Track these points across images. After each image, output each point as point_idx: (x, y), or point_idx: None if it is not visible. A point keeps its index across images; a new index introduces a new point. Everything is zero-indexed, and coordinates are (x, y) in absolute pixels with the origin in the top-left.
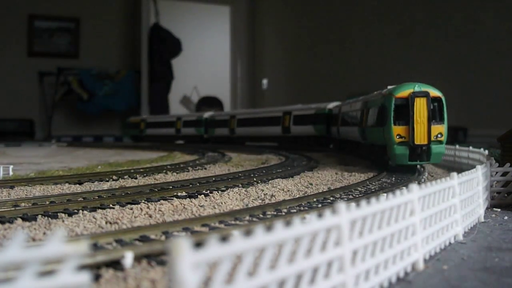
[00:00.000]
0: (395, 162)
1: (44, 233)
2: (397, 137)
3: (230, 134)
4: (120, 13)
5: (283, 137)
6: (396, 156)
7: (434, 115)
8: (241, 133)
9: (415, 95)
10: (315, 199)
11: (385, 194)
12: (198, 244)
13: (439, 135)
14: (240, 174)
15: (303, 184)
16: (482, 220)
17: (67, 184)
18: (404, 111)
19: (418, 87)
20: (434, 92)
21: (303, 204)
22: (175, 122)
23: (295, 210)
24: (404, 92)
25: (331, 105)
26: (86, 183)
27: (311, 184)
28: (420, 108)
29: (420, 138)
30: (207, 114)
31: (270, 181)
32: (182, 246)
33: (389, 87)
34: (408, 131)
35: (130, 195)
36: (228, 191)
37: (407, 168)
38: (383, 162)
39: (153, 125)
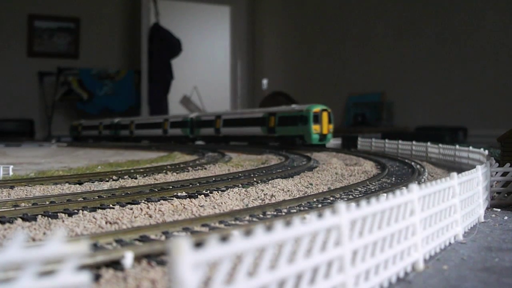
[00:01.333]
0: (311, 143)
1: (44, 233)
2: (314, 130)
3: (130, 134)
4: (120, 13)
5: (163, 136)
6: (313, 139)
7: (328, 120)
8: (137, 134)
9: (322, 110)
10: (315, 199)
11: (385, 194)
12: (198, 244)
13: (330, 130)
14: (240, 174)
15: (303, 184)
16: (482, 220)
17: (67, 184)
18: (316, 118)
19: (321, 106)
20: (329, 109)
21: (303, 204)
22: (98, 126)
23: (295, 210)
24: (316, 109)
25: (193, 115)
26: (86, 183)
27: (311, 184)
28: (324, 116)
29: (324, 130)
30: (116, 120)
31: (270, 181)
32: (182, 246)
33: (293, 105)
34: (319, 127)
35: (130, 195)
36: (228, 191)
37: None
38: (293, 143)
39: (86, 128)
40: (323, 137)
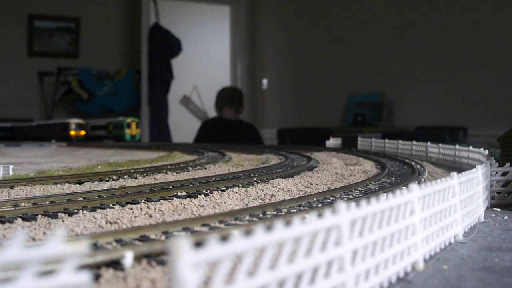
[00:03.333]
0: (126, 140)
1: (44, 233)
2: (127, 133)
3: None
4: (120, 13)
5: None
6: (126, 138)
7: (136, 127)
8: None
9: (131, 121)
10: (315, 199)
11: (385, 194)
12: (198, 244)
13: (138, 132)
14: (240, 174)
15: (303, 184)
16: (482, 220)
17: (67, 184)
18: (128, 125)
19: (132, 118)
20: (136, 120)
21: (303, 204)
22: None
23: (295, 210)
24: (129, 120)
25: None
26: (86, 183)
27: (311, 184)
28: (133, 124)
29: (133, 132)
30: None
31: (270, 181)
32: (182, 246)
33: (120, 117)
34: (130, 131)
35: (130, 195)
36: (228, 191)
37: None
38: (120, 140)
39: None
40: (133, 136)
